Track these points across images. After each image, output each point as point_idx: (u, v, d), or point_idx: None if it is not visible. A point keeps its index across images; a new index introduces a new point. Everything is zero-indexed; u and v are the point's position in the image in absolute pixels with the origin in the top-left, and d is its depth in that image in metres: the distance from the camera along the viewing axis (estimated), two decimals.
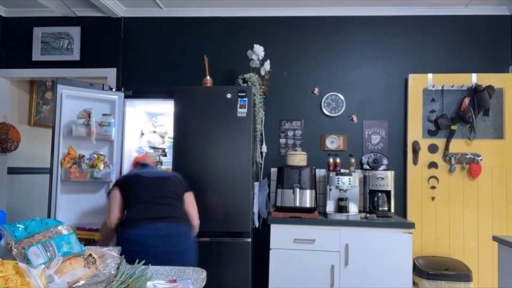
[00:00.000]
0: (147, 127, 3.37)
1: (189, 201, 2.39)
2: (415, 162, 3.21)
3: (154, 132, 3.35)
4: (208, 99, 2.73)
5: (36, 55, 3.57)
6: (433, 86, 3.23)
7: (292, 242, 2.73)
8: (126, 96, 3.09)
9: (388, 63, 3.37)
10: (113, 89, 3.12)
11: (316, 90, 3.38)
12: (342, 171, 3.01)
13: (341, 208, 2.84)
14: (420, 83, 3.25)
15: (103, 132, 2.90)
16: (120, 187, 2.30)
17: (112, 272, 1.17)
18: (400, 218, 2.97)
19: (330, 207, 2.91)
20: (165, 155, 3.21)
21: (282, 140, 3.39)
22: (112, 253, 1.23)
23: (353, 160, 3.09)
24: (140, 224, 2.12)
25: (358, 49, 3.40)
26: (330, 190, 2.92)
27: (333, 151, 3.29)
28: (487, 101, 3.09)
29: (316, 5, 3.36)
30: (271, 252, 2.75)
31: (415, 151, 3.20)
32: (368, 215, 2.86)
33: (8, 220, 1.49)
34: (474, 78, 3.19)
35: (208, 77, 3.05)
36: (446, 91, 3.23)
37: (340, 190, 2.91)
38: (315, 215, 2.82)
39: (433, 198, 3.17)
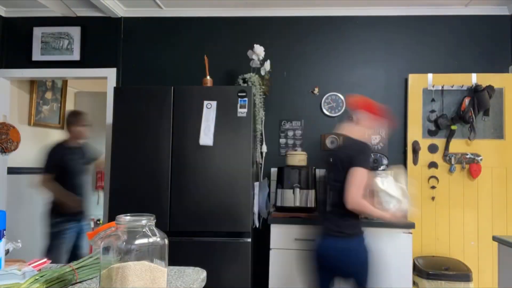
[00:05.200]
0: None
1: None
2: (415, 162, 3.21)
3: None
4: (208, 99, 2.72)
5: (36, 55, 3.57)
6: (433, 86, 3.23)
7: (292, 242, 2.73)
8: None
9: (388, 63, 3.37)
10: None
11: (316, 90, 3.38)
12: None
13: None
14: (420, 83, 3.25)
15: None
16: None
17: None
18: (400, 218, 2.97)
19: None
20: None
21: (282, 140, 3.39)
22: None
23: None
24: None
25: (358, 49, 3.40)
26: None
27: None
28: (487, 101, 3.09)
29: (316, 5, 3.36)
30: (271, 252, 2.75)
31: (415, 150, 3.20)
32: None
33: (8, 220, 1.49)
34: (474, 78, 3.19)
35: (208, 77, 3.05)
36: (446, 91, 3.23)
37: None
38: (315, 215, 2.82)
39: (433, 198, 3.17)
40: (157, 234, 0.94)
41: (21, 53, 3.61)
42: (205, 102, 2.71)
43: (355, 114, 2.25)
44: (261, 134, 3.33)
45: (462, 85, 3.19)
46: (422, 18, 3.36)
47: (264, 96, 3.27)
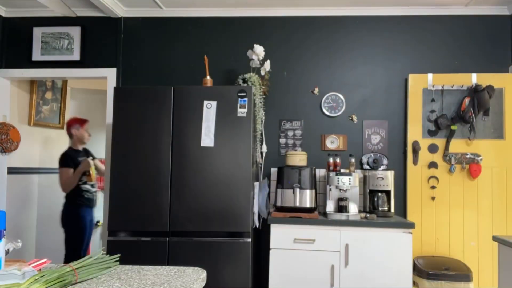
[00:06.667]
0: None
1: None
2: (415, 162, 3.21)
3: None
4: (208, 99, 2.72)
5: (36, 55, 3.57)
6: (433, 86, 3.23)
7: (292, 242, 2.73)
8: None
9: (388, 63, 3.37)
10: None
11: (316, 90, 3.38)
12: (342, 171, 3.01)
13: (341, 208, 2.85)
14: (420, 83, 3.25)
15: None
16: None
17: None
18: (400, 218, 2.97)
19: (330, 207, 2.91)
20: None
21: (282, 140, 3.39)
22: None
23: (353, 160, 3.09)
24: None
25: (358, 49, 3.40)
26: (330, 190, 2.92)
27: (333, 151, 3.29)
28: (487, 101, 3.09)
29: (316, 5, 3.36)
30: (271, 252, 2.75)
31: (415, 150, 3.20)
32: (368, 215, 2.86)
33: (8, 220, 1.50)
34: (474, 78, 3.19)
35: (208, 77, 3.05)
36: (446, 91, 3.23)
37: (340, 190, 2.91)
38: (315, 215, 2.82)
39: (433, 198, 3.17)
40: None
41: (21, 53, 3.61)
42: (205, 102, 2.71)
43: None
44: (261, 134, 3.33)
45: (462, 85, 3.19)
46: (422, 18, 3.36)
47: (264, 96, 3.27)
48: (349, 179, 2.87)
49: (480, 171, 3.11)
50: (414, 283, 2.77)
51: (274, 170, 3.32)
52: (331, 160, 3.07)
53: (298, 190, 2.84)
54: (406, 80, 3.31)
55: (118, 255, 1.38)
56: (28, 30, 3.59)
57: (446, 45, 3.34)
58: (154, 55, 3.54)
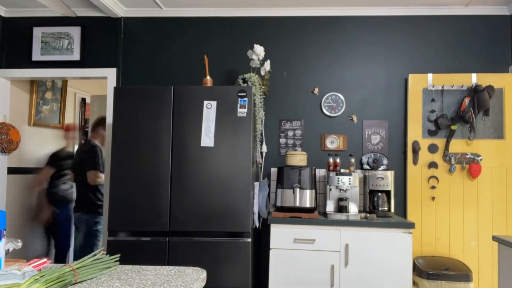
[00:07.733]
0: None
1: None
2: (415, 161, 3.21)
3: None
4: (208, 99, 2.72)
5: (36, 55, 3.57)
6: (433, 86, 3.23)
7: (292, 242, 2.73)
8: None
9: (388, 63, 3.37)
10: None
11: (316, 90, 3.38)
12: (342, 171, 3.02)
13: (341, 208, 2.85)
14: (420, 83, 3.25)
15: None
16: None
17: None
18: (400, 218, 2.97)
19: (330, 207, 2.92)
20: None
21: (282, 140, 3.39)
22: None
23: (353, 160, 3.09)
24: None
25: (358, 49, 3.40)
26: (330, 190, 2.92)
27: (333, 151, 3.29)
28: (487, 101, 3.09)
29: (316, 5, 3.36)
30: (271, 252, 2.75)
31: (415, 150, 3.20)
32: (368, 215, 2.86)
33: (8, 220, 1.49)
34: (474, 78, 3.19)
35: (208, 77, 3.05)
36: (446, 91, 3.23)
37: (340, 190, 2.91)
38: (315, 215, 2.82)
39: (433, 198, 3.17)
40: None
41: (21, 53, 3.61)
42: (205, 102, 2.71)
43: None
44: (261, 134, 3.33)
45: (462, 85, 3.19)
46: (422, 18, 3.36)
47: (264, 96, 3.27)
48: (349, 179, 2.87)
49: (480, 171, 3.11)
50: (414, 283, 2.77)
51: (274, 170, 3.32)
52: (331, 160, 3.07)
53: (298, 190, 2.84)
54: (406, 80, 3.31)
55: (118, 255, 1.38)
56: (28, 30, 3.59)
57: (446, 45, 3.34)
58: (154, 55, 3.54)
